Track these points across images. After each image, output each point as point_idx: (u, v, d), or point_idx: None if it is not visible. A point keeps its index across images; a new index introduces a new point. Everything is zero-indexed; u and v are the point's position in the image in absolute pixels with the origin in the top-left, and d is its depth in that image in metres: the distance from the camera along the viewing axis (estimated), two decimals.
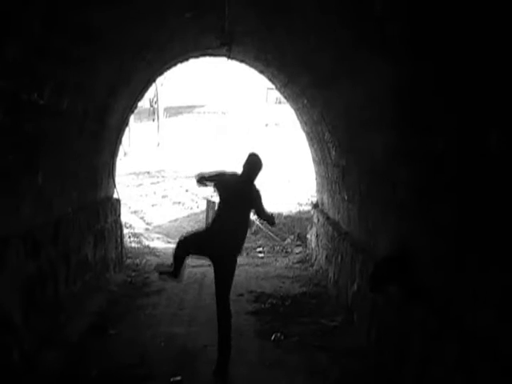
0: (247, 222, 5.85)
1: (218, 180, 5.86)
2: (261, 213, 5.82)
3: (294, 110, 9.99)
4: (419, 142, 4.26)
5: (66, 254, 6.17)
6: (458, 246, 3.65)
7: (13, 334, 4.48)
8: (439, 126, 3.84)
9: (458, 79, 3.41)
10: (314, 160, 10.09)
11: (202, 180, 6.00)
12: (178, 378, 5.08)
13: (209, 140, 28.46)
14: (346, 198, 7.41)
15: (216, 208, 6.05)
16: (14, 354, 4.41)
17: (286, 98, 10.21)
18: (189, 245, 5.76)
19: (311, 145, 9.79)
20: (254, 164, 5.69)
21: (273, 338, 6.25)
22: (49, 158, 5.53)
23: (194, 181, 6.21)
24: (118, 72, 6.94)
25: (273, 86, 10.95)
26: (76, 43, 5.05)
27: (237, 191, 5.61)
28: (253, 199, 5.66)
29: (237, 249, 5.62)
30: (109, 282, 8.28)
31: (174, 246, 10.84)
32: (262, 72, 9.88)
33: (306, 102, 8.48)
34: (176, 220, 14.97)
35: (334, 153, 7.79)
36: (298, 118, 10.07)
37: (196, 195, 17.18)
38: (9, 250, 4.53)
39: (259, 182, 5.80)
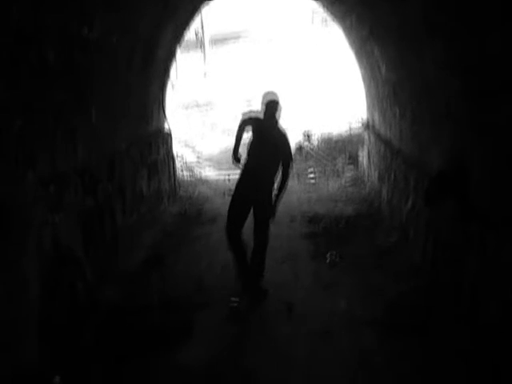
0: (276, 168, 5.60)
1: (248, 124, 5.81)
2: (285, 165, 5.60)
3: (342, 29, 9.64)
4: (473, 50, 4.02)
5: (121, 188, 6.31)
6: None
7: (76, 267, 4.67)
8: (495, 30, 3.60)
9: None
10: (363, 78, 9.80)
11: (236, 156, 5.88)
12: (237, 300, 5.23)
13: (255, 67, 28.00)
14: (397, 114, 7.19)
15: (247, 151, 5.83)
16: (79, 286, 4.61)
17: (332, 16, 9.83)
18: (235, 220, 5.59)
19: (360, 62, 9.48)
20: (274, 105, 5.61)
21: (328, 259, 6.30)
22: (100, 94, 5.57)
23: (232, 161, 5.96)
24: (163, 5, 6.81)
25: (319, 6, 10.53)
26: None
27: (266, 139, 5.56)
28: (281, 149, 5.55)
29: (267, 190, 5.54)
30: (164, 214, 8.46)
31: (225, 176, 10.93)
32: None
33: (354, 19, 8.13)
34: (226, 150, 14.96)
35: (383, 69, 7.51)
36: (345, 36, 9.73)
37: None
38: (68, 187, 4.66)
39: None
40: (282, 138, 5.60)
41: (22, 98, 3.87)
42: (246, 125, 5.80)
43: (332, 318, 4.89)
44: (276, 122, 5.65)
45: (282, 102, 5.69)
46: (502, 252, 3.69)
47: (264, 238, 5.52)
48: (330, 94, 17.54)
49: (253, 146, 5.67)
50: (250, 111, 5.93)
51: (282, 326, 4.86)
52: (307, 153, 13.23)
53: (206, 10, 27.86)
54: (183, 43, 11.76)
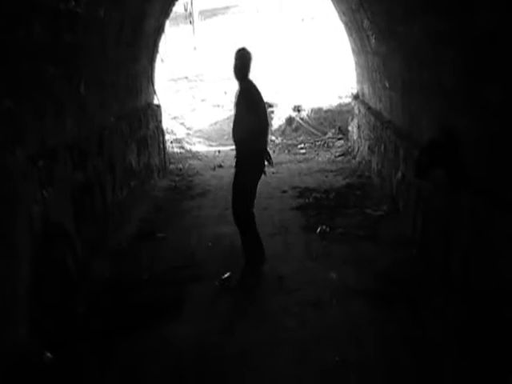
0: (242, 127, 5.28)
1: None
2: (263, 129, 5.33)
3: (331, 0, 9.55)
4: (466, 22, 3.99)
5: (111, 163, 6.27)
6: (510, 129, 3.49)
7: (66, 242, 4.65)
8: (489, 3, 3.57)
9: None
10: (353, 50, 9.75)
11: None
12: (228, 274, 5.24)
13: (244, 39, 27.72)
14: (387, 85, 7.17)
15: None
16: (68, 261, 4.59)
17: None
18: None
19: (350, 34, 9.42)
20: (242, 52, 5.36)
21: (318, 231, 6.32)
22: (89, 69, 5.52)
23: None
24: None
25: None
26: None
27: (236, 105, 5.41)
28: (237, 103, 5.35)
29: (239, 156, 5.33)
30: (154, 188, 8.45)
31: (215, 148, 10.83)
32: None
33: None
34: (216, 123, 14.90)
35: (373, 41, 7.47)
36: (335, 8, 9.64)
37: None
38: (57, 162, 4.62)
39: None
40: (250, 97, 5.32)
41: (10, 76, 3.81)
42: None
43: (323, 289, 4.90)
44: (244, 77, 5.33)
45: (252, 54, 5.33)
46: (493, 222, 3.70)
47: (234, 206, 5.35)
48: (319, 67, 17.45)
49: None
50: None
51: (273, 298, 4.84)
52: (297, 124, 13.20)
53: None
54: (173, 17, 11.62)
